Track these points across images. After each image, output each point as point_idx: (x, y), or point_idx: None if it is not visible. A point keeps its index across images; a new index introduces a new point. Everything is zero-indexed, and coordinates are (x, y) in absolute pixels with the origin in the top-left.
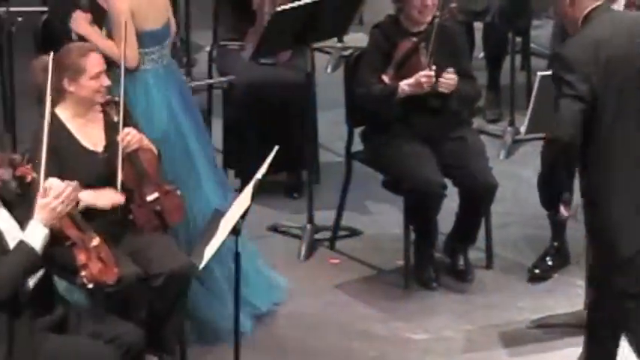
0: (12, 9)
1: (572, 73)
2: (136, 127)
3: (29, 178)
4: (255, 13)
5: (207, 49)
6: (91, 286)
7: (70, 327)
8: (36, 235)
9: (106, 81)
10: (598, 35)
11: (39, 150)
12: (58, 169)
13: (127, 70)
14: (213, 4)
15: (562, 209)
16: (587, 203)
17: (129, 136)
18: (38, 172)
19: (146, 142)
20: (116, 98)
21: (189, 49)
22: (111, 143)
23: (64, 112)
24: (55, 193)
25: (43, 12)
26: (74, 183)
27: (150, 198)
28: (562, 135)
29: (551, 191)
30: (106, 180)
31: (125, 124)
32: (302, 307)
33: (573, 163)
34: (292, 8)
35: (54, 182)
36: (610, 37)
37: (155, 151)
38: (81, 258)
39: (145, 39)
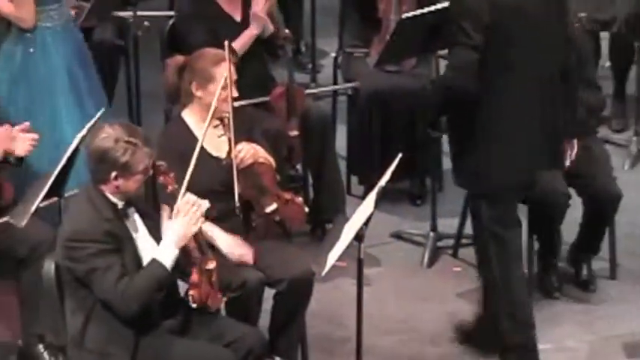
0: (139, 13)
1: (469, 20)
2: (249, 139)
3: (169, 189)
4: (380, 20)
5: (333, 55)
6: (194, 306)
7: (191, 330)
8: (168, 255)
9: (234, 92)
10: None
11: (177, 161)
12: (183, 174)
13: (24, 30)
14: (339, 10)
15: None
16: (464, 139)
17: (242, 153)
18: (180, 185)
19: (261, 154)
20: (225, 120)
21: (315, 55)
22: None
23: (190, 117)
24: (185, 212)
25: (169, 16)
26: (205, 202)
27: (269, 209)
28: (465, 84)
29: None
30: (228, 186)
31: (241, 136)
32: (423, 315)
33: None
34: (418, 16)
35: (191, 199)
36: None
37: (272, 161)
38: (194, 277)
39: None
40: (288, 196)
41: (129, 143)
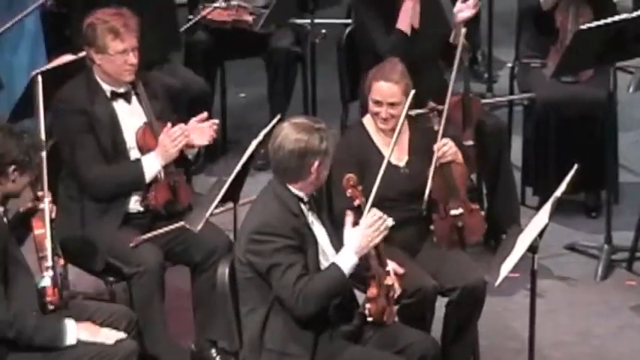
0: (316, 21)
1: None
2: (453, 138)
3: (357, 202)
4: (558, 31)
5: (509, 65)
6: (370, 319)
7: (364, 337)
8: (347, 262)
9: (384, 112)
10: None
11: (356, 167)
12: (360, 180)
13: None
14: (516, 20)
15: None
16: None
17: (446, 147)
18: (367, 199)
19: (460, 156)
20: (439, 107)
21: (491, 64)
22: (414, 159)
23: (370, 125)
24: (369, 223)
25: (346, 24)
26: (388, 219)
27: (454, 212)
28: None
29: None
30: (407, 195)
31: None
32: (595, 328)
33: None
34: (596, 27)
35: (377, 213)
36: None
37: (465, 167)
38: (372, 291)
39: None
40: (474, 206)
41: (320, 130)
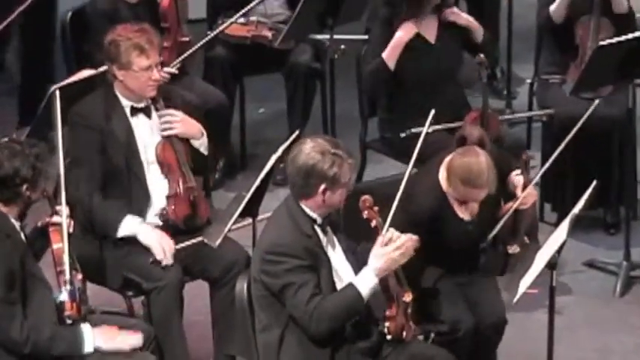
0: (335, 36)
1: None
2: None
3: (373, 223)
4: (577, 47)
5: (528, 81)
6: (389, 338)
7: (381, 354)
8: (366, 282)
9: (470, 206)
10: None
11: (426, 220)
12: (430, 236)
13: None
14: (535, 36)
15: None
16: None
17: (529, 197)
18: (384, 220)
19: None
20: (530, 155)
21: (510, 81)
22: (481, 215)
23: (443, 173)
24: (397, 244)
25: (365, 40)
26: (414, 237)
27: (511, 251)
28: None
29: None
30: (469, 245)
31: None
32: (613, 344)
33: None
34: (615, 43)
35: (395, 234)
36: None
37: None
38: (391, 310)
39: None
40: (528, 241)
41: (335, 155)
